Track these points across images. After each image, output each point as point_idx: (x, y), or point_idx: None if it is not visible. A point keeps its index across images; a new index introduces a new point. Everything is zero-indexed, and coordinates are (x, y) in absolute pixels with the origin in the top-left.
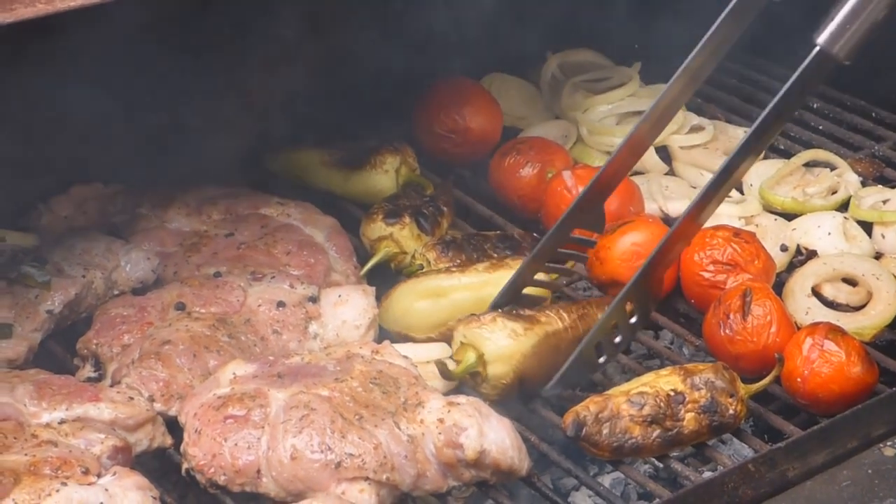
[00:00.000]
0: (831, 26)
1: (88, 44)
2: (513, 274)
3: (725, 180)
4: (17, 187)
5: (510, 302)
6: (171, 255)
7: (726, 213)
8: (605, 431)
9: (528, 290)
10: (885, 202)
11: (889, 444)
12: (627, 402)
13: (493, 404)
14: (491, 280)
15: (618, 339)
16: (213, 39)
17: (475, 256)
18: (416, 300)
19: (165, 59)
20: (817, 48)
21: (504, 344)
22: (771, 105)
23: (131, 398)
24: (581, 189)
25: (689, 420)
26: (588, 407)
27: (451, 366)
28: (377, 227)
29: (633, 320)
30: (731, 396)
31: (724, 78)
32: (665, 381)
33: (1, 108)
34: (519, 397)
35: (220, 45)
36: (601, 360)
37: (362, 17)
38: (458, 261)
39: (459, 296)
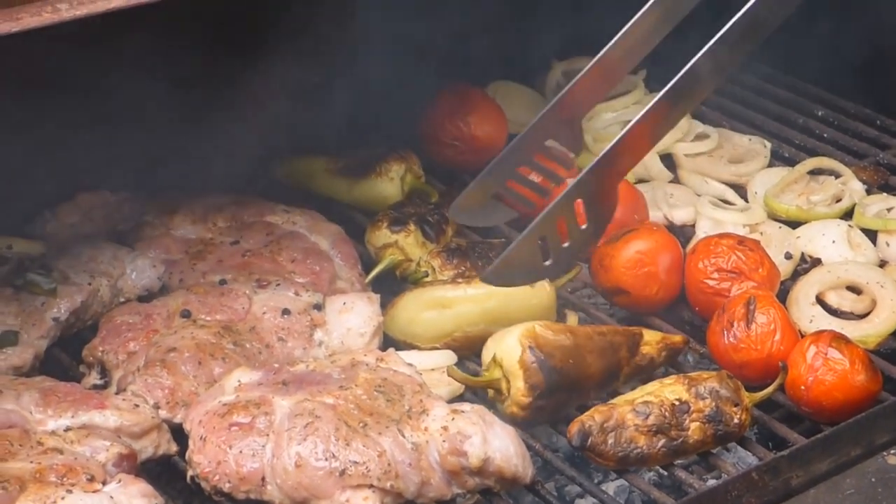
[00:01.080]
0: None
1: (95, 52)
2: (478, 177)
3: (688, 82)
4: (23, 195)
5: (475, 206)
6: (177, 262)
7: (731, 222)
8: (610, 441)
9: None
10: (889, 210)
11: (893, 452)
12: (632, 412)
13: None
14: (497, 293)
15: (566, 244)
16: (219, 48)
17: (480, 264)
18: (421, 310)
19: (171, 66)
20: None
21: (509, 330)
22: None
23: (137, 405)
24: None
25: (694, 429)
26: (593, 416)
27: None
28: (382, 235)
29: (583, 227)
30: (736, 405)
31: (728, 85)
32: (669, 390)
33: (8, 115)
34: None
35: (226, 52)
36: (547, 262)
37: (368, 24)
38: (463, 268)
39: (464, 307)
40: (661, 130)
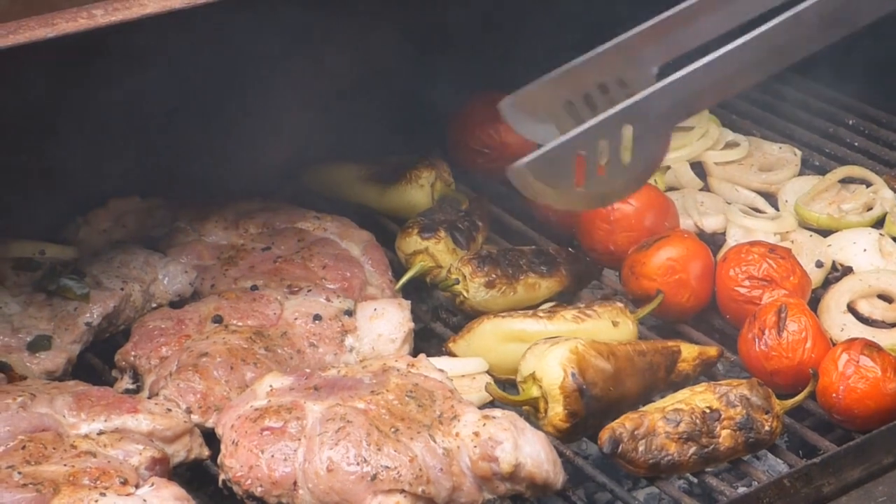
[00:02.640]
0: None
1: (127, 58)
2: (544, 77)
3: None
4: (56, 200)
5: (532, 109)
6: (209, 268)
7: (762, 230)
8: (640, 448)
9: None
10: None
11: None
12: (663, 419)
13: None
14: (579, 331)
15: (602, 175)
16: (249, 54)
17: (510, 272)
18: (499, 341)
19: (203, 72)
20: None
21: (551, 349)
22: None
23: (169, 410)
24: None
25: (724, 437)
26: (624, 424)
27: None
28: (412, 242)
29: (628, 162)
30: (767, 413)
31: (759, 94)
32: (700, 398)
33: (40, 121)
34: None
35: (257, 60)
36: (579, 188)
37: (399, 32)
38: (494, 276)
39: None
40: (752, 73)
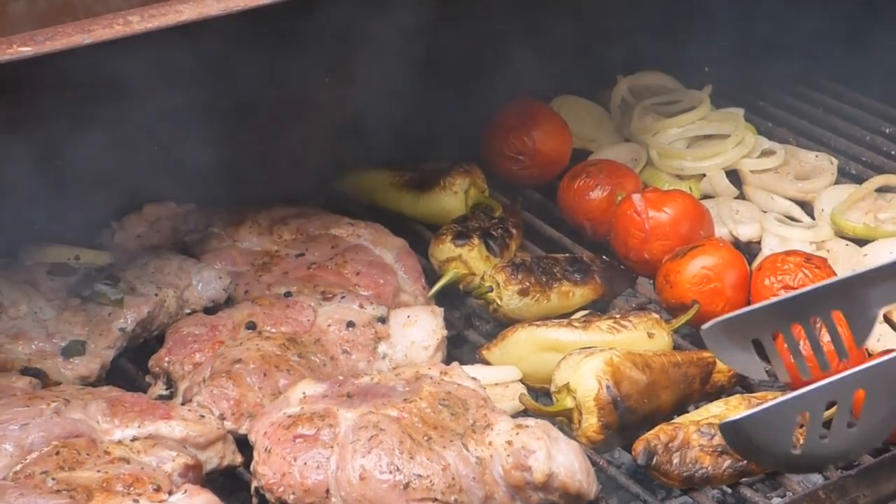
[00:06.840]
0: None
1: (162, 63)
2: (742, 311)
3: None
4: (90, 206)
5: (727, 339)
6: (243, 274)
7: (798, 239)
8: (675, 461)
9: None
10: None
11: None
12: (698, 432)
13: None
14: (614, 342)
15: (825, 440)
16: (284, 60)
17: (544, 280)
18: (534, 350)
19: (236, 79)
20: None
21: (585, 360)
22: None
23: (202, 416)
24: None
25: None
26: (658, 436)
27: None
28: (446, 249)
29: (853, 427)
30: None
31: (795, 102)
32: (735, 412)
33: (75, 127)
34: None
35: (291, 65)
36: (795, 450)
37: (434, 38)
38: (528, 283)
39: None
40: None
